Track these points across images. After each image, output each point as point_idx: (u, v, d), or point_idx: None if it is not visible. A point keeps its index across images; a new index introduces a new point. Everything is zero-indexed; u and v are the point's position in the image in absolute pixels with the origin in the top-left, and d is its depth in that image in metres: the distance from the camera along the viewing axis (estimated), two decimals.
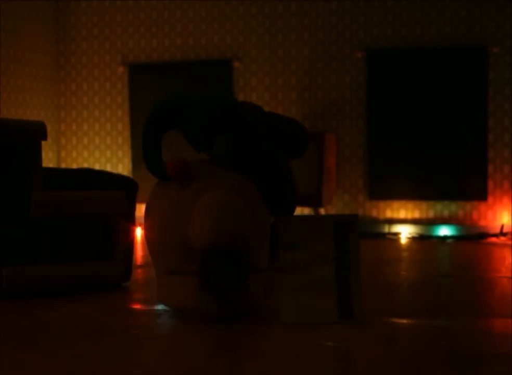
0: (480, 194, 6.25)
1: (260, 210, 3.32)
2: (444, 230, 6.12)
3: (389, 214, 6.55)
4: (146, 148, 3.46)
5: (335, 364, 2.78)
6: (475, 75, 6.30)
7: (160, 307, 3.63)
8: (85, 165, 7.40)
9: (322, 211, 6.29)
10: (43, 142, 3.50)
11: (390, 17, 6.52)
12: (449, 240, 6.05)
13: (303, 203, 6.17)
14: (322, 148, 6.01)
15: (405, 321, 3.46)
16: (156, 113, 3.48)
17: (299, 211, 6.54)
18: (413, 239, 5.96)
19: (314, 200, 6.04)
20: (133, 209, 3.89)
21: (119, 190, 3.82)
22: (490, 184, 6.30)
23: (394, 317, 3.50)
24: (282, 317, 3.30)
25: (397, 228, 5.96)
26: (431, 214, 5.95)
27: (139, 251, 5.58)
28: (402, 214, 6.44)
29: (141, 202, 6.72)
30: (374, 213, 6.60)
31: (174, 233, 3.23)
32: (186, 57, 7.04)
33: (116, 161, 7.39)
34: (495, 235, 6.03)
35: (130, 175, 6.87)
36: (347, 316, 3.35)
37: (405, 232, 5.88)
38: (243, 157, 3.41)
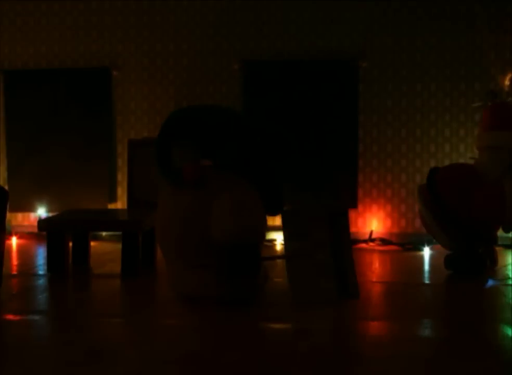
0: (350, 201, 6.50)
1: (262, 208, 3.87)
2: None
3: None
4: (160, 156, 3.88)
5: (191, 368, 2.87)
6: (346, 88, 6.55)
7: (32, 317, 3.64)
8: None
9: None
10: None
11: (266, 30, 6.69)
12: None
13: None
14: None
15: (278, 325, 3.60)
16: (169, 124, 3.94)
17: None
18: None
19: None
20: (3, 218, 3.86)
21: None
22: (360, 192, 6.57)
23: (265, 322, 3.63)
24: (295, 298, 3.95)
25: (272, 235, 6.12)
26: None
27: (14, 260, 5.50)
28: (278, 221, 6.57)
29: (15, 211, 6.62)
30: None
31: (192, 230, 3.75)
32: (64, 64, 6.98)
33: None
34: (365, 241, 6.29)
35: (5, 184, 6.75)
36: (344, 294, 3.96)
37: (280, 239, 6.05)
38: (245, 162, 3.88)
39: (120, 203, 6.78)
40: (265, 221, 3.93)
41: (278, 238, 6.07)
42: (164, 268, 5.16)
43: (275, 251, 5.94)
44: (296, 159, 4.16)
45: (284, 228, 3.94)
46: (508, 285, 4.63)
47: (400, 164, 6.48)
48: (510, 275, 4.86)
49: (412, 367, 2.94)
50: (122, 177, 6.77)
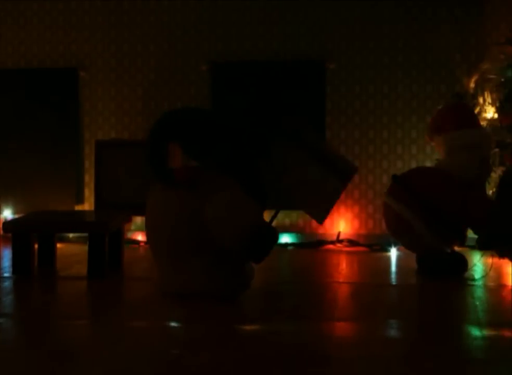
0: None
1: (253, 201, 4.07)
2: (285, 238, 6.36)
3: None
4: (153, 157, 4.05)
5: (158, 369, 2.87)
6: (314, 89, 6.57)
7: None
8: None
9: None
10: None
11: (234, 31, 6.68)
12: (290, 248, 6.29)
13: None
14: None
15: (248, 326, 3.62)
16: (161, 126, 4.11)
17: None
18: None
19: None
20: None
21: None
22: None
23: (235, 322, 3.65)
24: (318, 221, 4.35)
25: None
26: (273, 222, 6.13)
27: None
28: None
29: None
30: None
31: (184, 230, 3.89)
32: (30, 64, 6.92)
33: None
34: (332, 242, 6.32)
35: None
36: (345, 177, 4.37)
37: None
38: (233, 163, 4.07)
39: (87, 205, 6.74)
40: (261, 210, 4.12)
41: None
42: (130, 270, 5.15)
43: None
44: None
45: (277, 171, 4.32)
46: (474, 285, 4.68)
47: (368, 165, 6.51)
48: (476, 276, 4.91)
49: (378, 367, 2.96)
50: (89, 178, 6.73)
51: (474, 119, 5.34)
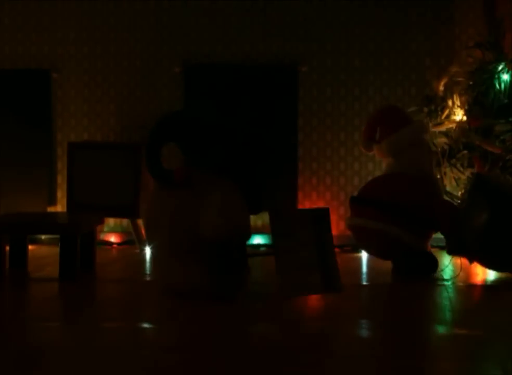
0: (290, 204, 6.56)
1: (245, 207, 4.16)
2: (258, 240, 6.40)
3: None
4: (150, 159, 4.15)
5: (129, 371, 2.89)
6: (286, 92, 6.60)
7: None
8: None
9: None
10: None
11: (207, 34, 6.70)
12: (262, 249, 6.33)
13: (119, 214, 6.20)
14: (139, 160, 6.04)
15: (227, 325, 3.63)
16: (158, 129, 4.20)
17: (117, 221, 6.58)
18: None
19: (130, 211, 6.07)
20: None
21: None
22: (300, 195, 6.63)
23: (210, 321, 3.66)
24: (281, 292, 4.19)
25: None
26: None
27: None
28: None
29: None
30: None
31: (182, 228, 4.00)
32: (1, 65, 6.89)
33: None
34: None
35: None
36: (328, 287, 4.28)
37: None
38: (229, 165, 4.15)
39: (60, 206, 6.72)
40: (249, 219, 4.19)
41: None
42: (102, 272, 5.16)
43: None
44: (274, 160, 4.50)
45: (271, 226, 4.23)
46: (444, 285, 4.75)
47: (339, 167, 6.57)
48: (446, 276, 4.97)
49: (347, 366, 3.00)
50: (61, 180, 6.71)
51: (407, 116, 5.54)
